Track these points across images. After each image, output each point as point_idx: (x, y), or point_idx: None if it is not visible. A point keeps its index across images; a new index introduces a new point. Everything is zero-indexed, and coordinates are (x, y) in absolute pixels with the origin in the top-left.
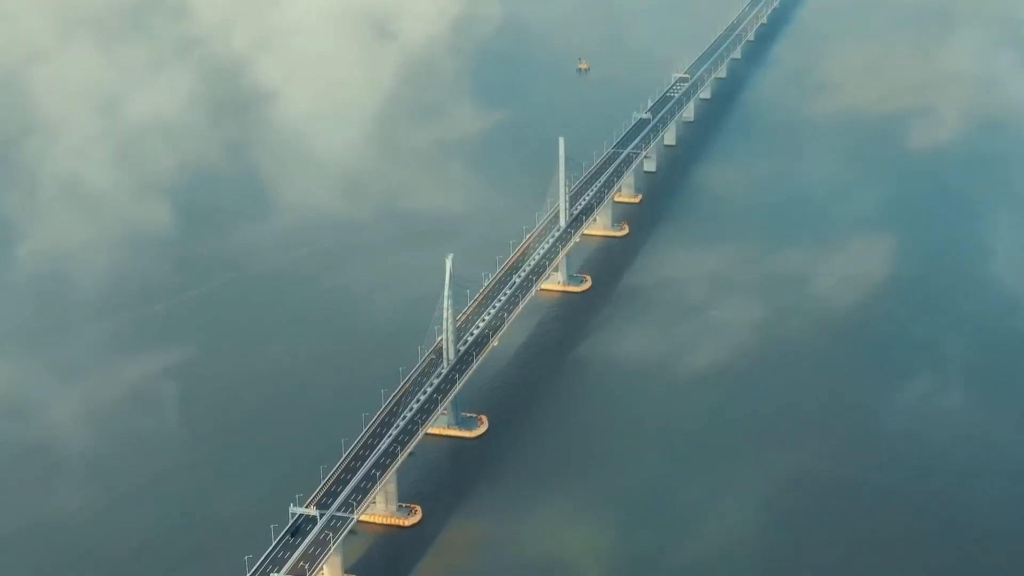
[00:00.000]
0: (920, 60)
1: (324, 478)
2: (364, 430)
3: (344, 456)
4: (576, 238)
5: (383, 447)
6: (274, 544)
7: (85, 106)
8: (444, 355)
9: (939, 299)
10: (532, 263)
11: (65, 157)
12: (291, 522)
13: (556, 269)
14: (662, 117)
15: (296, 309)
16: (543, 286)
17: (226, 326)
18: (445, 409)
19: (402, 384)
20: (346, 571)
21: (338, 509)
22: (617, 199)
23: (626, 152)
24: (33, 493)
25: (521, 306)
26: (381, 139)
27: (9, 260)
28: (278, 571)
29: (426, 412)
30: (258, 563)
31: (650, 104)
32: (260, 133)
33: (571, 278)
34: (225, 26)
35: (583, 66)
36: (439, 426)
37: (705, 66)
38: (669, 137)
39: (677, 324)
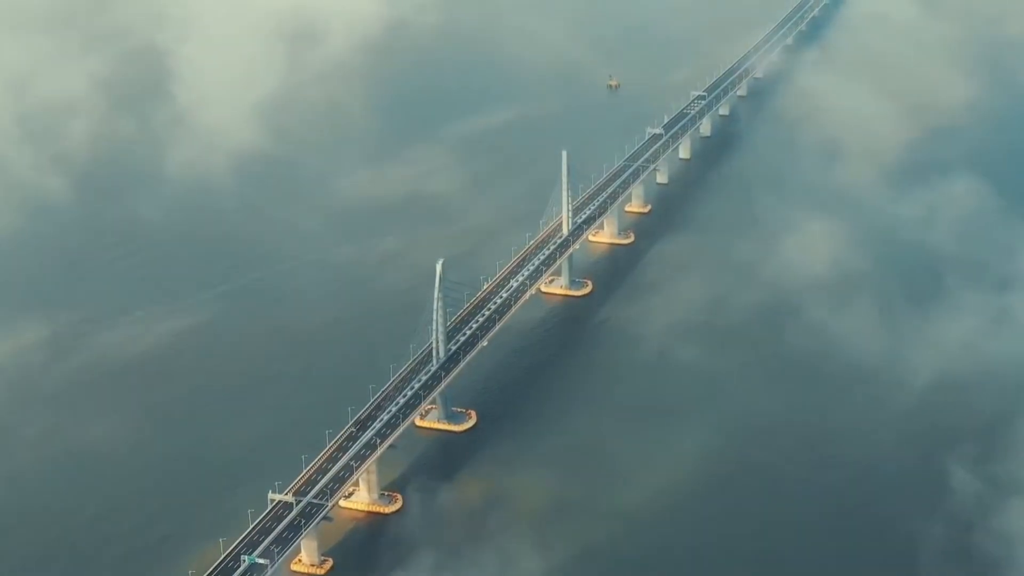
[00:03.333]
0: (939, 80)
1: (305, 467)
2: (349, 422)
3: (328, 447)
4: (576, 245)
5: (364, 439)
6: (249, 529)
7: None
8: (434, 353)
9: None
10: (531, 268)
11: None
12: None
13: (559, 274)
14: (674, 133)
15: (291, 307)
16: (546, 290)
17: (224, 314)
18: (433, 404)
19: (391, 380)
20: (323, 555)
21: (315, 497)
22: (628, 209)
23: (635, 165)
24: None
25: (515, 308)
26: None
27: None
28: (249, 554)
29: (411, 407)
30: (233, 545)
31: (666, 120)
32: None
33: (573, 282)
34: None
35: (613, 83)
36: (430, 420)
37: (723, 86)
38: (684, 151)
39: (673, 325)
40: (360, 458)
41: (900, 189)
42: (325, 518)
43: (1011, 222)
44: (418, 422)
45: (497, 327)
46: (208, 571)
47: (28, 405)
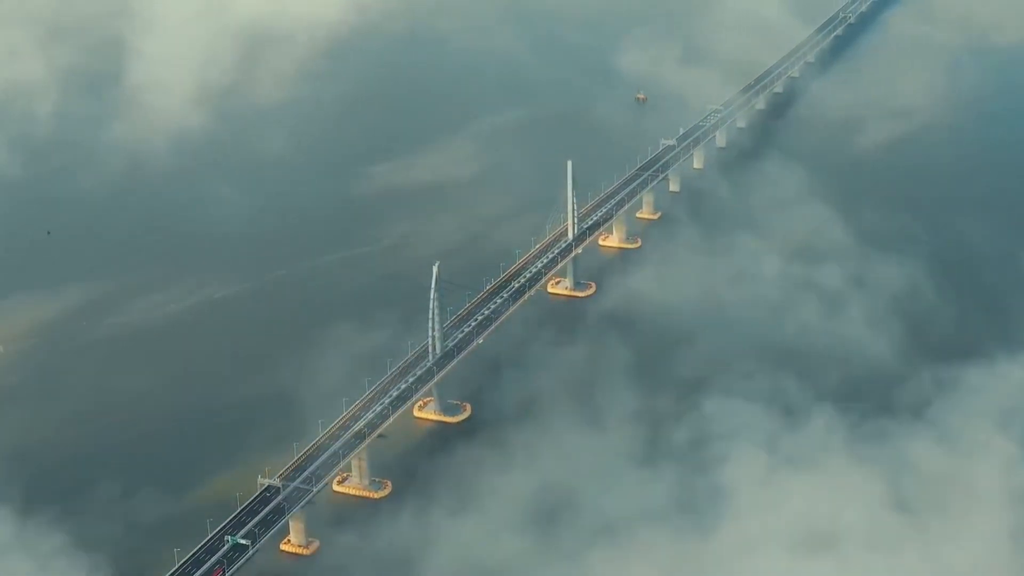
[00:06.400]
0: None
1: (296, 455)
2: (343, 413)
3: (319, 436)
4: (578, 250)
5: (355, 429)
6: (238, 511)
7: None
8: (430, 350)
9: None
10: (532, 271)
11: None
12: None
13: (564, 276)
14: (686, 144)
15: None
16: (552, 291)
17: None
18: (429, 396)
19: (388, 375)
20: (310, 536)
21: (303, 482)
22: (639, 215)
23: (645, 175)
24: None
25: (512, 309)
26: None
27: None
28: (233, 535)
29: (401, 400)
30: (219, 527)
31: (681, 132)
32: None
33: (577, 284)
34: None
35: (641, 97)
36: (427, 412)
37: (739, 101)
38: (697, 161)
39: (670, 323)
40: (350, 447)
41: None
42: (309, 502)
43: None
44: (416, 413)
45: (494, 326)
46: (192, 551)
47: None
